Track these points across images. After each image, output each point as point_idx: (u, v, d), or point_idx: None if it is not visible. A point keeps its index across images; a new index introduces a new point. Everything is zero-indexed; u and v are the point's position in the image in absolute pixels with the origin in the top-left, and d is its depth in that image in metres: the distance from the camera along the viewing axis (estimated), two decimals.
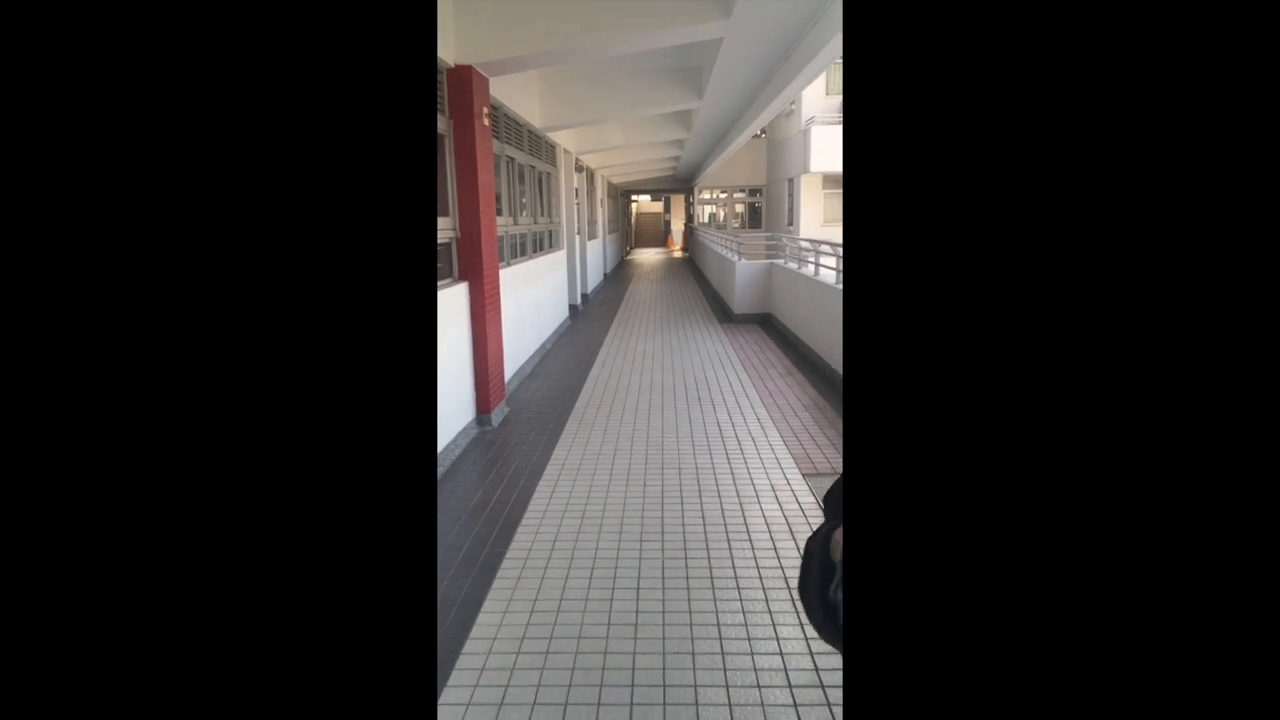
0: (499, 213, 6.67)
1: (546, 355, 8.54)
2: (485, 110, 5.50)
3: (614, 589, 3.11)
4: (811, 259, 8.59)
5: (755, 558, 3.35)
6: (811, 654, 2.61)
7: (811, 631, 2.74)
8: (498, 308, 5.94)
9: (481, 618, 2.91)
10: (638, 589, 3.10)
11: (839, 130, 18.80)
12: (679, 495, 4.12)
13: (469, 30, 5.09)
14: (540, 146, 9.13)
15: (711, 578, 3.18)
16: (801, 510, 3.87)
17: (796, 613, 2.88)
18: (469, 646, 2.72)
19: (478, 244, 5.41)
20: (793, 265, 9.68)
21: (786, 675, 2.51)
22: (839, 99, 19.47)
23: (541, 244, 9.33)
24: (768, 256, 11.36)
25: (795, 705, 2.36)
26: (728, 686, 2.46)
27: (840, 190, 20.52)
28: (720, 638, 2.73)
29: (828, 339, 7.29)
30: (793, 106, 20.00)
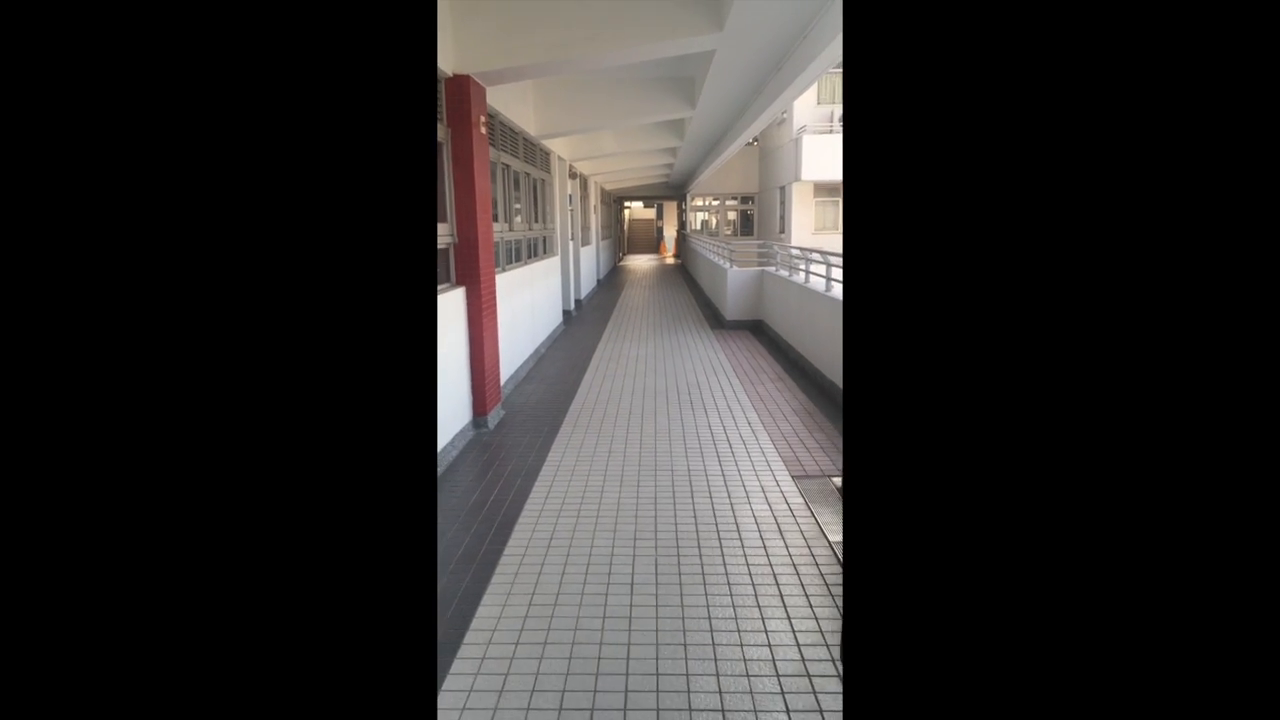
0: (495, 219, 6.78)
1: (541, 360, 8.64)
2: (482, 119, 5.61)
3: (609, 584, 3.21)
4: (802, 267, 8.72)
5: (745, 555, 3.46)
6: (798, 644, 2.72)
7: (799, 624, 2.86)
8: (494, 312, 6.05)
9: (481, 610, 3.02)
10: (632, 584, 3.21)
11: (830, 139, 18.97)
12: (671, 496, 4.23)
13: (467, 40, 5.20)
14: (535, 154, 9.25)
15: (703, 574, 3.29)
16: (790, 511, 3.98)
17: (784, 607, 2.99)
18: (469, 637, 2.82)
19: (475, 250, 5.52)
20: (784, 273, 9.81)
21: (774, 665, 2.61)
22: (830, 109, 19.65)
23: (536, 250, 9.44)
24: (759, 264, 11.48)
25: (783, 693, 2.46)
26: (718, 675, 2.56)
27: (831, 198, 20.68)
28: (711, 630, 2.84)
29: (818, 345, 7.41)
30: (784, 116, 20.16)
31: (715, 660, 2.65)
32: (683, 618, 2.93)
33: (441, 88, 5.23)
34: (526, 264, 8.59)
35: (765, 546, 3.55)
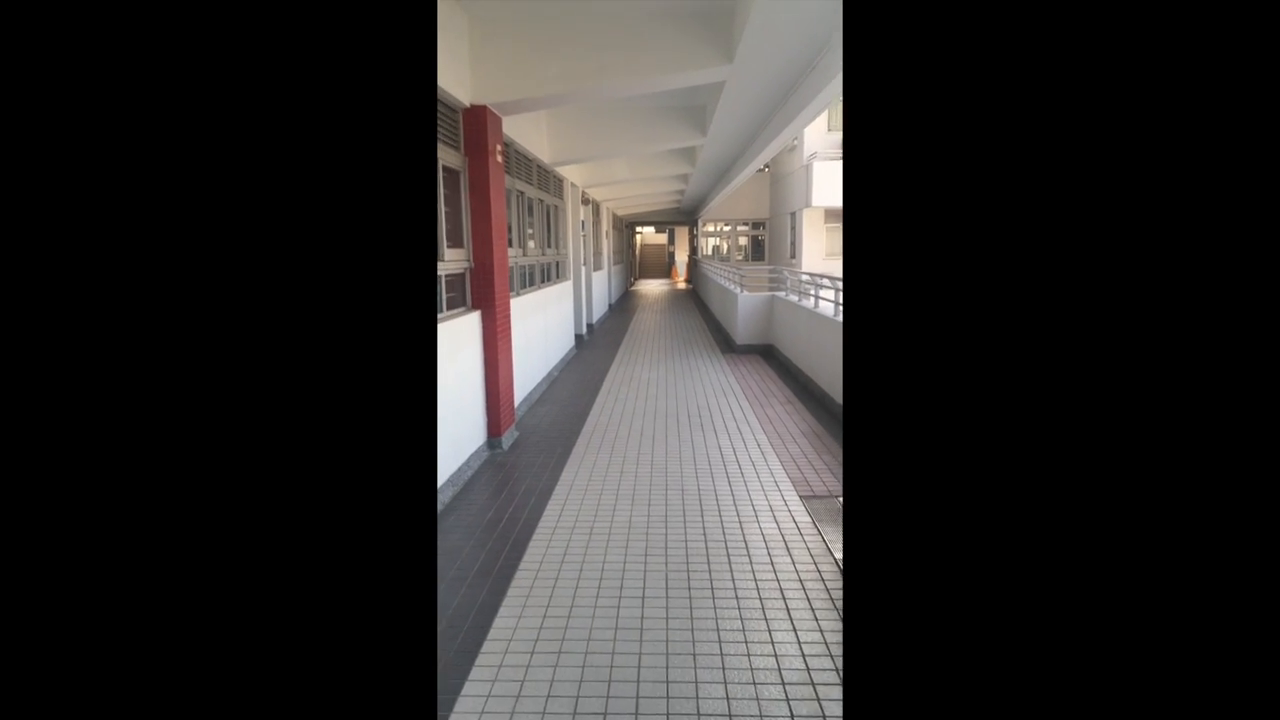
0: (509, 244, 6.94)
1: (554, 383, 8.77)
2: (499, 147, 5.79)
3: (621, 597, 3.32)
4: (812, 292, 8.84)
5: (753, 571, 3.56)
6: (804, 655, 2.82)
7: (804, 635, 2.95)
8: (509, 335, 6.19)
9: (498, 622, 3.12)
10: (643, 597, 3.31)
11: (841, 166, 19.14)
12: (682, 514, 4.33)
13: (484, 72, 5.38)
14: (549, 180, 9.43)
15: (712, 588, 3.39)
16: (798, 529, 4.07)
17: (790, 620, 3.09)
18: (486, 647, 2.93)
19: (490, 274, 5.67)
20: (794, 298, 9.93)
21: (780, 674, 2.71)
22: (840, 135, 19.84)
23: (549, 275, 9.60)
24: (770, 289, 11.61)
25: (788, 700, 2.56)
26: (726, 683, 2.66)
27: (841, 225, 20.80)
28: (719, 641, 2.94)
29: (827, 370, 7.52)
30: (795, 142, 20.38)
31: (723, 670, 2.75)
32: (692, 629, 3.03)
33: (459, 117, 5.41)
34: (540, 288, 8.75)
35: (773, 563, 3.65)
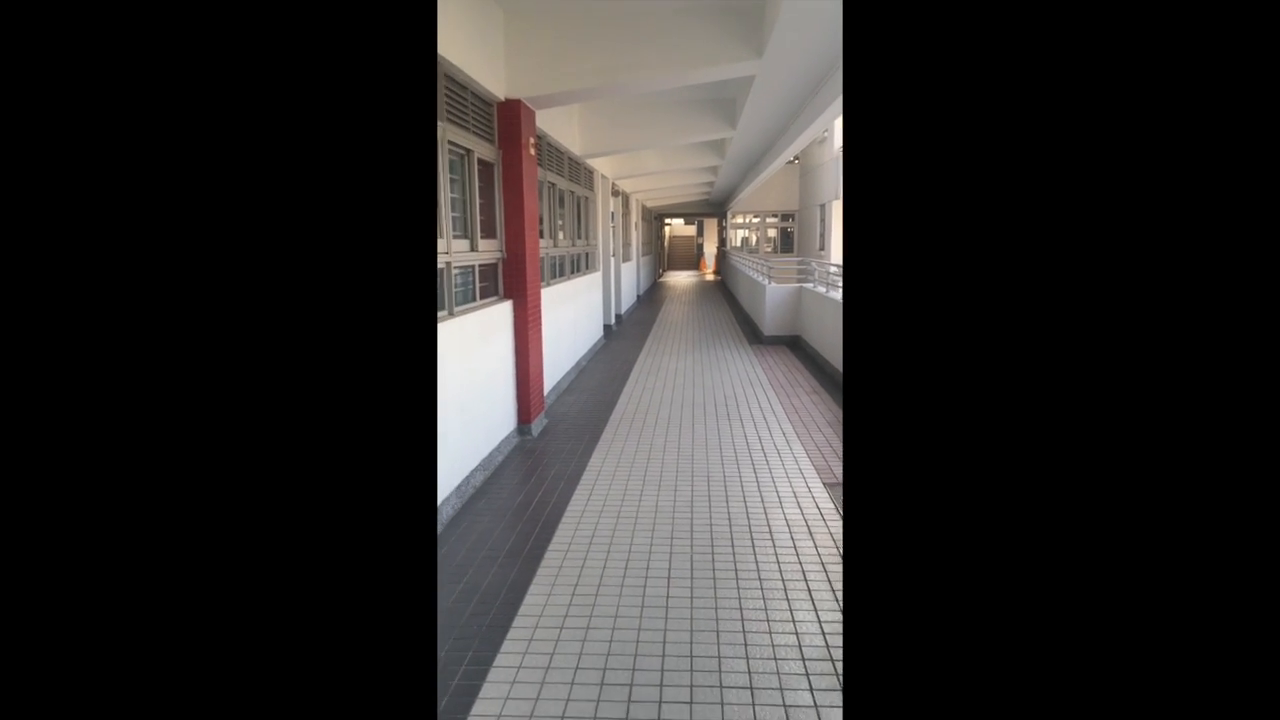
0: (540, 235, 7.06)
1: (582, 372, 8.90)
2: (532, 140, 5.91)
3: (647, 578, 3.43)
4: (839, 283, 8.89)
5: (776, 554, 3.66)
6: (824, 633, 2.92)
7: (825, 615, 3.05)
8: (539, 324, 6.32)
9: (528, 599, 3.25)
10: (669, 578, 3.43)
11: None
12: (707, 499, 4.44)
13: (518, 67, 5.50)
14: (579, 172, 9.55)
15: (736, 569, 3.50)
16: (821, 515, 4.17)
17: (811, 600, 3.19)
18: (517, 622, 3.06)
19: (522, 265, 5.80)
20: (821, 289, 9.98)
21: (800, 650, 2.81)
22: None
23: (579, 265, 9.73)
24: (798, 280, 11.66)
25: (807, 675, 2.66)
26: (748, 659, 2.77)
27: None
28: (742, 619, 3.05)
29: None
30: (825, 135, 20.32)
31: (745, 645, 2.85)
32: (716, 608, 3.14)
33: (493, 111, 5.53)
34: (570, 279, 8.88)
35: (795, 547, 3.75)
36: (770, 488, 4.64)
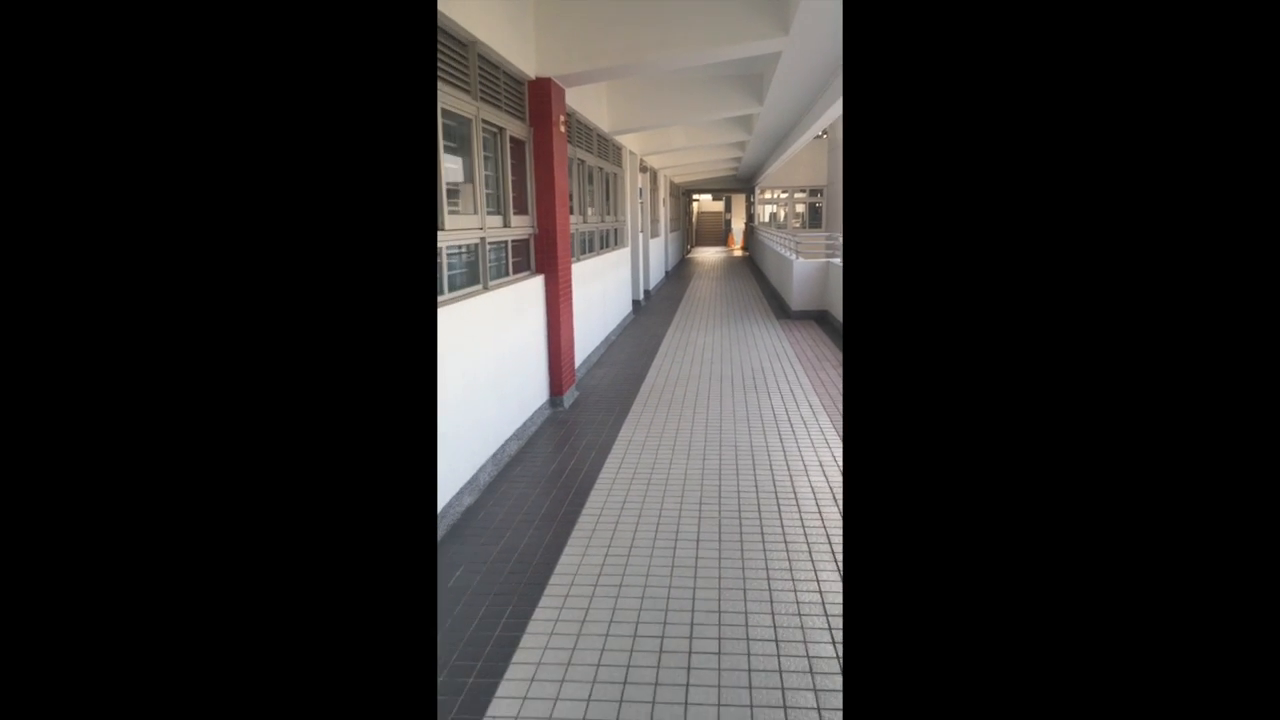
0: (570, 211, 7.18)
1: (612, 346, 9.04)
2: (562, 118, 6.02)
3: (677, 540, 3.58)
4: None
5: (801, 518, 3.79)
6: None
7: None
8: (570, 299, 6.46)
9: (563, 559, 3.41)
10: (697, 540, 3.57)
11: None
12: (735, 467, 4.57)
13: (549, 45, 5.60)
14: (608, 149, 9.64)
15: (762, 532, 3.63)
16: None
17: (835, 561, 3.32)
18: (553, 580, 3.22)
19: (553, 240, 5.93)
20: None
21: (824, 607, 2.95)
22: None
23: (608, 241, 9.84)
24: (826, 255, 11.69)
25: (830, 629, 2.80)
26: (774, 614, 2.91)
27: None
28: (768, 578, 3.18)
29: None
30: None
31: (771, 602, 2.99)
32: (743, 568, 3.28)
33: (525, 90, 5.65)
34: (599, 254, 9.00)
35: (820, 512, 3.87)
36: (796, 456, 4.76)
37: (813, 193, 26.32)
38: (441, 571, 3.34)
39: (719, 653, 2.66)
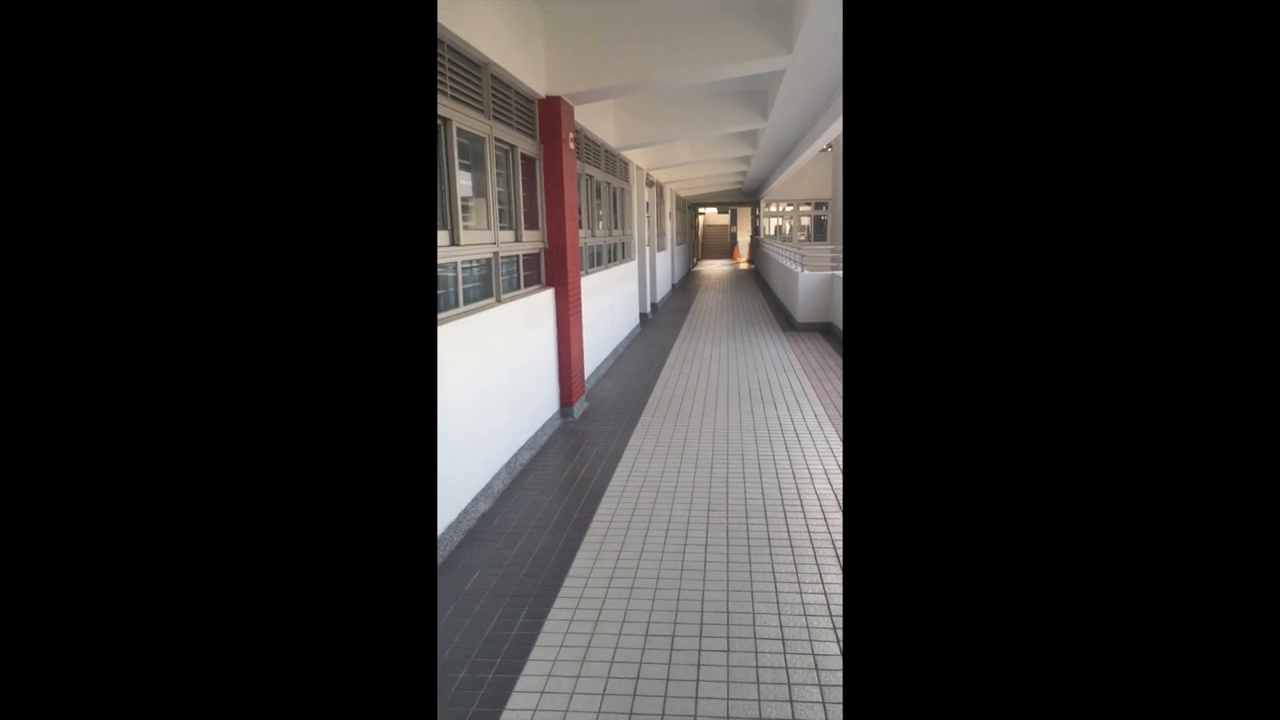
0: (579, 225, 7.32)
1: (620, 358, 9.17)
2: (571, 135, 6.16)
3: (686, 544, 3.69)
4: None
5: (807, 524, 3.90)
6: None
7: None
8: (579, 311, 6.59)
9: (576, 563, 3.52)
10: (706, 544, 3.68)
11: None
12: (742, 475, 4.69)
13: (558, 65, 5.76)
14: (615, 164, 9.80)
15: (769, 537, 3.74)
16: None
17: (839, 563, 3.42)
18: (567, 582, 3.33)
19: (563, 254, 6.07)
20: None
21: (829, 607, 3.05)
22: None
23: (615, 255, 9.98)
24: (831, 268, 11.81)
25: (835, 628, 2.90)
26: (780, 614, 3.01)
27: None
28: (775, 580, 3.29)
29: None
30: None
31: (777, 603, 3.10)
32: (750, 571, 3.39)
33: (535, 108, 5.80)
34: (607, 268, 9.14)
35: (826, 518, 3.98)
36: (802, 465, 4.87)
37: (818, 206, 26.46)
38: (459, 574, 3.45)
39: (728, 650, 2.77)
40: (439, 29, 3.81)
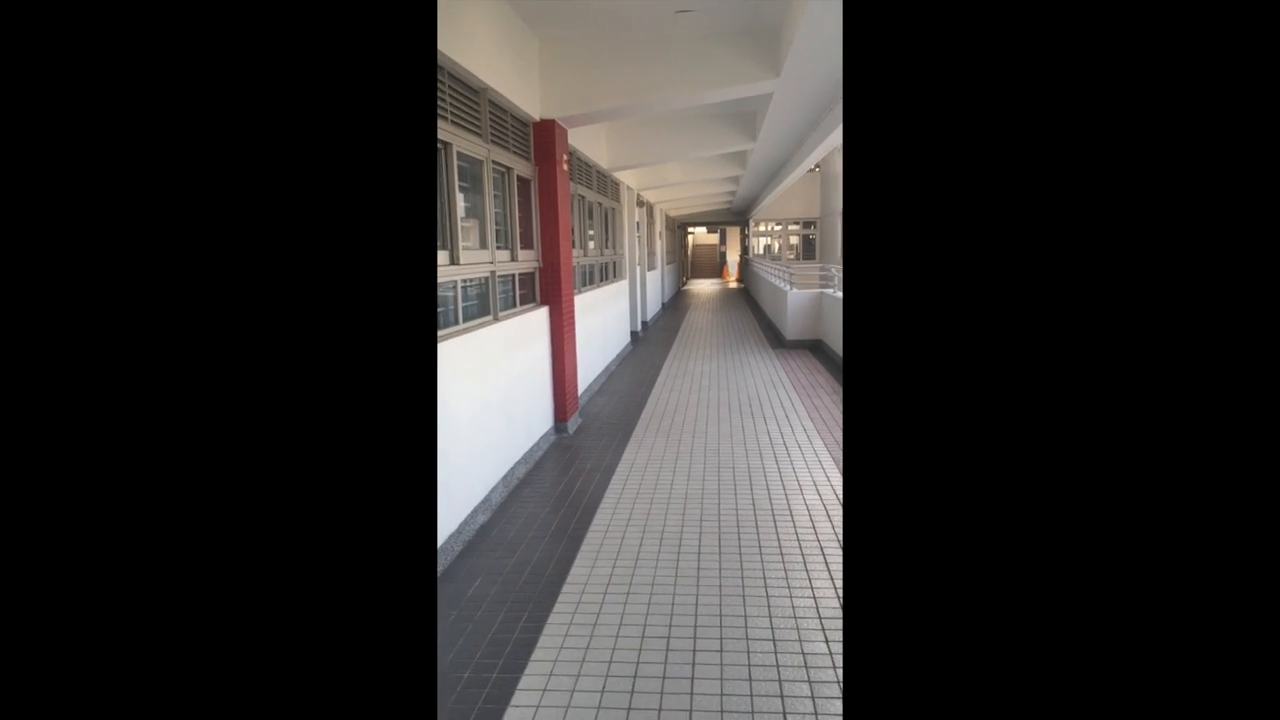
0: (572, 245, 7.47)
1: (612, 375, 9.30)
2: (565, 157, 6.33)
3: (679, 553, 3.81)
4: None
5: (796, 533, 4.03)
6: (839, 597, 3.28)
7: (840, 582, 3.41)
8: (573, 329, 6.73)
9: (573, 571, 3.64)
10: (699, 552, 3.80)
11: None
12: (733, 487, 4.82)
13: (553, 89, 5.93)
14: (606, 185, 9.97)
15: (759, 546, 3.87)
16: (838, 500, 4.53)
17: (828, 571, 3.55)
18: (565, 589, 3.45)
19: (557, 273, 6.22)
20: (841, 294, 10.28)
21: (817, 609, 3.18)
22: None
23: (607, 274, 10.14)
24: (819, 286, 11.98)
25: (824, 630, 3.03)
26: (770, 617, 3.14)
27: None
28: (765, 586, 3.42)
29: None
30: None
31: (768, 607, 3.22)
32: (742, 577, 3.51)
33: (530, 131, 5.97)
34: (599, 287, 9.29)
35: (815, 528, 4.11)
36: (791, 477, 5.01)
37: (806, 225, 26.70)
38: (461, 581, 3.57)
39: (721, 650, 2.89)
40: (439, 56, 3.97)
